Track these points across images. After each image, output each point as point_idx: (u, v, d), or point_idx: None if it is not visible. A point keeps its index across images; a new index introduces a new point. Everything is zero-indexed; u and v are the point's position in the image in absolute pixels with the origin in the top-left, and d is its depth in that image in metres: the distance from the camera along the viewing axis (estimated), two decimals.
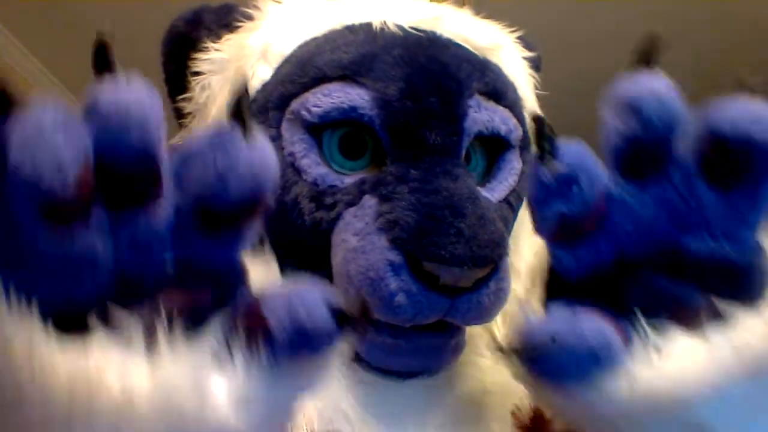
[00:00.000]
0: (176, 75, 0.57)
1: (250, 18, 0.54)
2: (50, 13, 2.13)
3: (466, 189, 0.45)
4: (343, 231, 0.46)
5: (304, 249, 0.49)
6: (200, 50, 0.54)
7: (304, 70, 0.49)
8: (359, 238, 0.44)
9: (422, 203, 0.43)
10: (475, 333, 0.53)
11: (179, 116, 0.57)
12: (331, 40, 0.51)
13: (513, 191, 0.54)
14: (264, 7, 0.54)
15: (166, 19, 0.57)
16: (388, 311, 0.43)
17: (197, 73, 0.54)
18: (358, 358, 0.48)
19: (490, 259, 0.43)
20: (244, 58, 0.51)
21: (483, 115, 0.50)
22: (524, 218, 0.59)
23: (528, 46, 0.60)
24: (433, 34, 0.52)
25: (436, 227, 0.42)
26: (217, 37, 0.54)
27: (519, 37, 0.59)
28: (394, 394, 0.47)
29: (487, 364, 0.51)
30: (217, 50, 0.53)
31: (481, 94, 0.51)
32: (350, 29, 0.51)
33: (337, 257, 0.46)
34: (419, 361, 0.47)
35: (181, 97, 0.56)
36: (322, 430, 0.44)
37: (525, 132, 0.55)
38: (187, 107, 0.55)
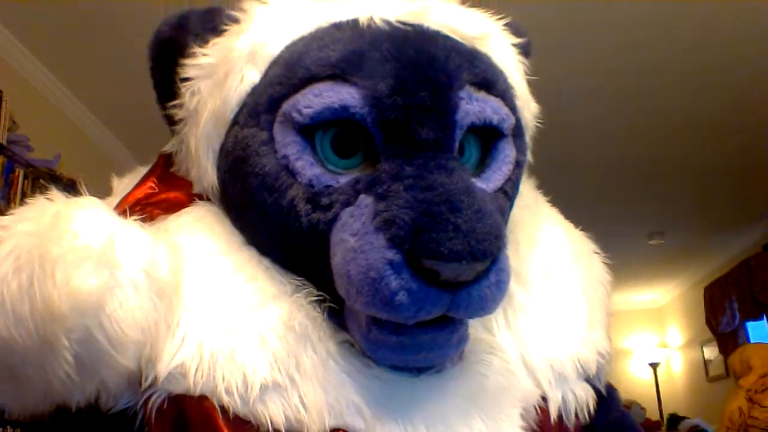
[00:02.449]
0: (165, 81, 0.56)
1: (236, 21, 0.53)
2: (50, 13, 2.11)
3: (462, 183, 0.45)
4: (340, 231, 0.46)
5: (303, 251, 0.49)
6: (187, 55, 0.54)
7: (293, 70, 0.49)
8: (357, 237, 0.44)
9: (418, 200, 0.43)
10: (481, 337, 0.53)
11: (171, 123, 0.57)
12: (318, 38, 0.50)
13: (508, 180, 0.53)
14: (250, 9, 0.53)
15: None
16: (390, 310, 0.43)
17: (186, 79, 0.54)
18: None
19: (489, 252, 0.43)
20: (232, 61, 0.51)
21: (475, 106, 0.50)
22: (522, 218, 0.59)
23: (517, 31, 0.60)
24: (420, 26, 0.51)
25: (432, 224, 0.42)
26: (204, 42, 0.54)
27: (508, 24, 0.59)
28: (407, 389, 0.48)
29: (497, 362, 0.51)
30: (204, 55, 0.53)
31: (472, 84, 0.50)
32: (337, 26, 0.51)
33: (336, 257, 0.46)
34: (423, 357, 0.47)
35: (171, 103, 0.55)
36: (333, 423, 0.44)
37: (518, 120, 0.55)
38: (179, 114, 0.55)
